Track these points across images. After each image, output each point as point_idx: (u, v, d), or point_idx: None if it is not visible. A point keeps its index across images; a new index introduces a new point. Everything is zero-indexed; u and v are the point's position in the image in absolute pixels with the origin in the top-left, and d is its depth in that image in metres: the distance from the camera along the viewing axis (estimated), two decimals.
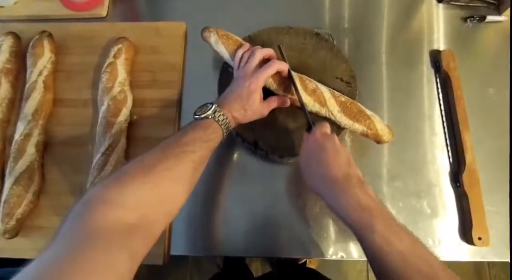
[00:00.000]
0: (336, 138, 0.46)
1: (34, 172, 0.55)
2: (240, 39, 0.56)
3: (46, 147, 0.59)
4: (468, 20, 0.68)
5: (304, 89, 0.53)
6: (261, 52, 0.52)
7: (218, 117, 0.45)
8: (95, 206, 0.33)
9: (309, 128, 0.50)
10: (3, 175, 0.56)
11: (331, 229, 0.56)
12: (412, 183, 0.59)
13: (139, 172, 0.37)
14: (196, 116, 0.46)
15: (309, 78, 0.55)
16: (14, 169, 0.54)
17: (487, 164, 0.59)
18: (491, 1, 0.68)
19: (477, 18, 0.67)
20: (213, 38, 0.55)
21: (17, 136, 0.56)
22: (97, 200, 0.34)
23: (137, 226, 0.34)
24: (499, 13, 0.68)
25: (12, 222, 0.52)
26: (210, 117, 0.45)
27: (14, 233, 0.53)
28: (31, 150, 0.56)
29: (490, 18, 0.66)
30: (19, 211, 0.53)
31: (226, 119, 0.46)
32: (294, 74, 0.54)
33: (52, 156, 0.59)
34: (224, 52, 0.55)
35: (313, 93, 0.53)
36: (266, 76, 0.50)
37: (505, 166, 0.59)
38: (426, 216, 0.57)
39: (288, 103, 0.55)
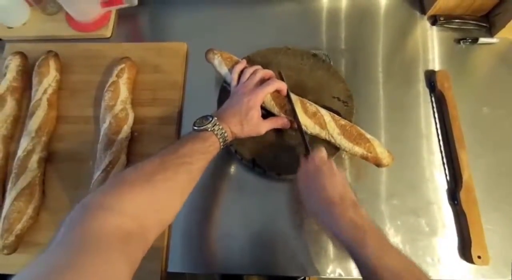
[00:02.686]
0: (333, 162, 0.48)
1: (35, 188, 0.56)
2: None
3: (47, 163, 0.60)
4: (461, 41, 0.69)
5: (305, 112, 0.54)
6: (263, 72, 0.54)
7: (217, 130, 0.47)
8: (95, 212, 0.34)
9: (305, 151, 0.51)
10: (4, 191, 0.56)
11: (330, 247, 0.56)
12: (410, 201, 0.59)
13: (138, 181, 0.38)
14: (196, 128, 0.47)
15: (309, 102, 0.56)
16: (16, 185, 0.54)
17: (484, 182, 0.59)
18: (483, 24, 0.70)
19: (469, 40, 0.69)
20: (217, 60, 0.57)
21: (20, 152, 0.57)
22: (96, 206, 0.34)
23: (135, 234, 0.34)
24: (491, 35, 0.70)
25: (11, 238, 0.52)
26: (209, 129, 0.46)
27: (13, 249, 0.53)
28: (33, 166, 0.56)
29: (482, 40, 0.68)
30: (18, 227, 0.53)
31: (225, 132, 0.48)
32: (294, 97, 0.55)
33: (53, 172, 0.60)
34: (227, 74, 0.57)
35: (314, 116, 0.54)
36: (265, 93, 0.52)
37: (502, 184, 0.60)
38: (425, 234, 0.57)
39: (289, 125, 0.56)
